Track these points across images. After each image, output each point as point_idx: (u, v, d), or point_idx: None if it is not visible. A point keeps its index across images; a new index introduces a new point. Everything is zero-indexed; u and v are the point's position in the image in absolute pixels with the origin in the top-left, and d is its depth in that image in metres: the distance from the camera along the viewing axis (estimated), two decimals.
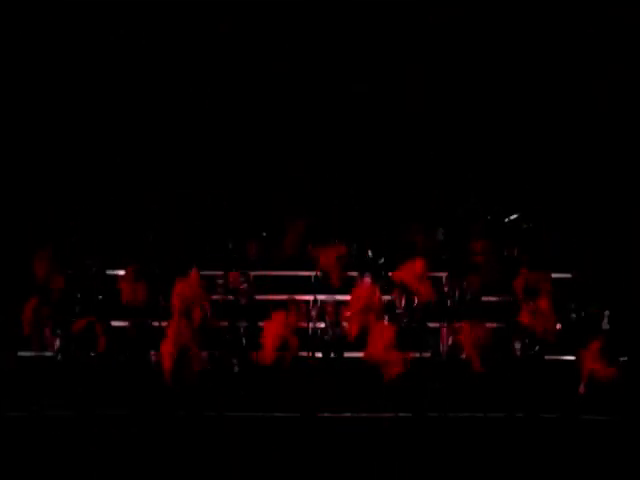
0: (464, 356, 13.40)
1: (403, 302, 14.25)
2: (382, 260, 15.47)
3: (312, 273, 15.46)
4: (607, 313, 14.31)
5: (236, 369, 13.22)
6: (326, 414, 12.57)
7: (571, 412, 12.55)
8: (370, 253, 15.52)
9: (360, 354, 13.72)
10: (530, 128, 16.40)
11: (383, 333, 13.42)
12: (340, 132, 16.62)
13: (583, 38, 15.52)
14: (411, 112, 16.49)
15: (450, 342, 13.48)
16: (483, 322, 13.73)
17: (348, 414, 12.55)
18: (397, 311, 14.22)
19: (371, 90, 16.40)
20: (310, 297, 15.11)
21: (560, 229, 16.24)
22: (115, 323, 14.26)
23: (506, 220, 16.60)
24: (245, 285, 14.00)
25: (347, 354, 13.70)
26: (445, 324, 13.74)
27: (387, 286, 14.80)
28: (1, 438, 12.05)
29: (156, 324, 14.15)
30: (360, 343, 13.97)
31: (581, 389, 12.85)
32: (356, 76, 16.26)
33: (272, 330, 13.45)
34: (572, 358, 13.73)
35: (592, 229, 15.85)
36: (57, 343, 13.33)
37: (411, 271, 14.69)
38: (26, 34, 15.62)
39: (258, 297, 14.89)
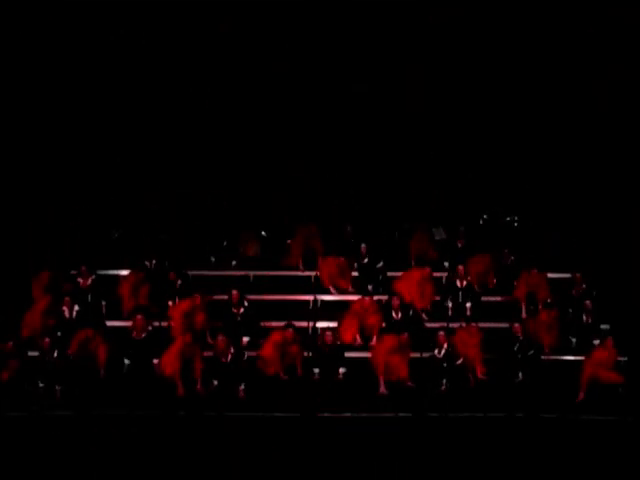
0: (463, 361, 13.40)
1: (400, 313, 14.28)
2: (381, 264, 15.47)
3: (312, 273, 15.49)
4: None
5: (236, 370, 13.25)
6: (326, 414, 12.56)
7: (571, 412, 12.55)
8: (367, 260, 15.54)
9: (359, 354, 13.73)
10: (530, 128, 16.41)
11: (385, 340, 13.43)
12: (340, 132, 16.63)
13: (583, 38, 15.52)
14: (411, 112, 16.49)
15: (447, 346, 13.49)
16: (479, 329, 13.73)
17: (348, 414, 12.55)
18: (394, 319, 14.23)
19: (371, 90, 16.40)
20: (310, 297, 15.16)
21: (560, 229, 16.26)
22: (115, 323, 14.33)
23: (506, 219, 16.63)
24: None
25: (347, 354, 13.69)
26: (443, 329, 13.75)
27: (385, 292, 14.83)
28: (1, 438, 12.04)
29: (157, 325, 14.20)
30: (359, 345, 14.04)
31: (580, 395, 12.88)
32: (356, 76, 16.26)
33: (271, 348, 13.48)
34: (572, 358, 13.74)
35: (592, 229, 15.85)
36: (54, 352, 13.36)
37: (411, 280, 14.70)
38: (26, 34, 15.61)
39: (258, 297, 14.93)
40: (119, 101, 16.32)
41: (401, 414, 12.54)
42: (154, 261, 15.51)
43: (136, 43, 15.95)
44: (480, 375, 13.31)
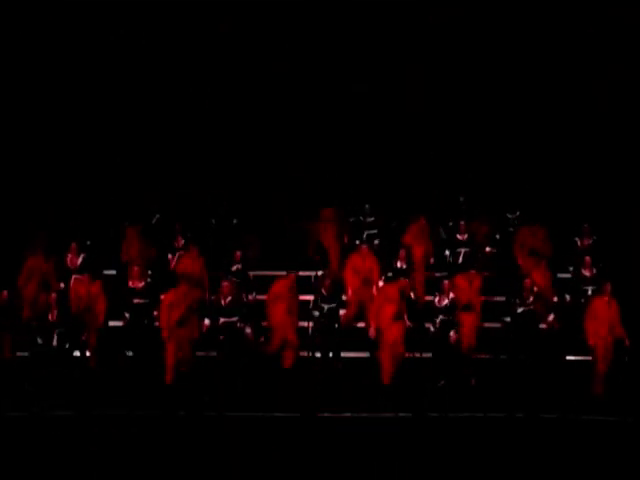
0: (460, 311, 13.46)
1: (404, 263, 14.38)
2: (373, 219, 15.52)
3: (312, 273, 15.46)
4: None
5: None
6: (326, 414, 12.57)
7: (571, 412, 12.56)
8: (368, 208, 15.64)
9: (360, 354, 13.75)
10: (530, 128, 16.41)
11: (385, 288, 13.62)
12: (340, 132, 16.63)
13: (583, 38, 15.53)
14: (411, 112, 16.50)
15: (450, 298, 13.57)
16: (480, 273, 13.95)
17: (348, 414, 12.55)
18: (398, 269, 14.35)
19: (371, 90, 16.41)
20: (310, 297, 15.13)
21: (560, 229, 16.24)
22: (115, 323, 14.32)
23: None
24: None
25: (346, 354, 13.70)
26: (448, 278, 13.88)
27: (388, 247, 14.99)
28: (1, 438, 12.05)
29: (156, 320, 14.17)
30: (359, 341, 14.03)
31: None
32: (356, 76, 16.28)
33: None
34: (573, 358, 13.74)
35: (592, 229, 15.84)
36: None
37: (412, 231, 14.87)
38: (26, 34, 15.64)
39: (258, 297, 14.91)
40: (119, 101, 16.34)
41: (401, 414, 12.55)
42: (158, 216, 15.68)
43: (136, 43, 15.97)
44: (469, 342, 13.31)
